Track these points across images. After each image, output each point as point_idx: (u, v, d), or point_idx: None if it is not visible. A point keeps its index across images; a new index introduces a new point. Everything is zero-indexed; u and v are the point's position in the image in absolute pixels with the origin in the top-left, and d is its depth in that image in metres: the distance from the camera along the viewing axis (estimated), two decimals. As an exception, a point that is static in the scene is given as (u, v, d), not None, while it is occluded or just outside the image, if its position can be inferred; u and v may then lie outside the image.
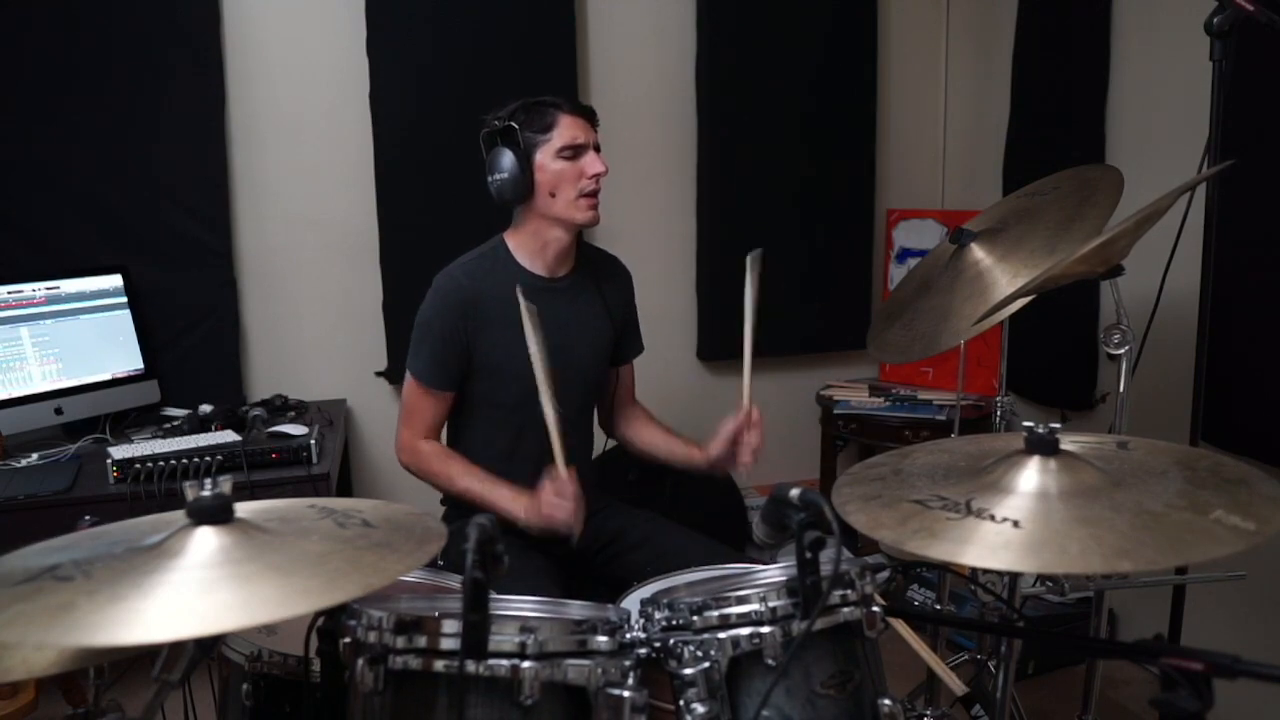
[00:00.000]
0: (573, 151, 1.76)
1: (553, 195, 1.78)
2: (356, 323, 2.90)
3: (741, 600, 1.07)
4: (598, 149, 1.80)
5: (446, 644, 0.99)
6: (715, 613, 1.07)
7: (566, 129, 1.76)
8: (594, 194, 1.80)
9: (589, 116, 1.81)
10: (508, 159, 1.75)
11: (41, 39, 2.56)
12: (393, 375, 2.90)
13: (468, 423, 1.89)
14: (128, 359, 2.62)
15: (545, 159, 1.76)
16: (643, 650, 1.07)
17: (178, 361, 2.73)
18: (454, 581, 1.46)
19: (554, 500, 1.61)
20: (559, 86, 2.76)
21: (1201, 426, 1.71)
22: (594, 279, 1.93)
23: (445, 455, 1.84)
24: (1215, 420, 1.83)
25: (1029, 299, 1.53)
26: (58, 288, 2.50)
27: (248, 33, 2.73)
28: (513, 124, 1.75)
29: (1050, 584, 1.86)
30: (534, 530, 1.65)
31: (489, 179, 1.79)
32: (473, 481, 1.78)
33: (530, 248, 1.85)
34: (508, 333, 1.81)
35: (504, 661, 0.98)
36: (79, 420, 2.50)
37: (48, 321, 2.48)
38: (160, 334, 2.71)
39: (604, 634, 1.05)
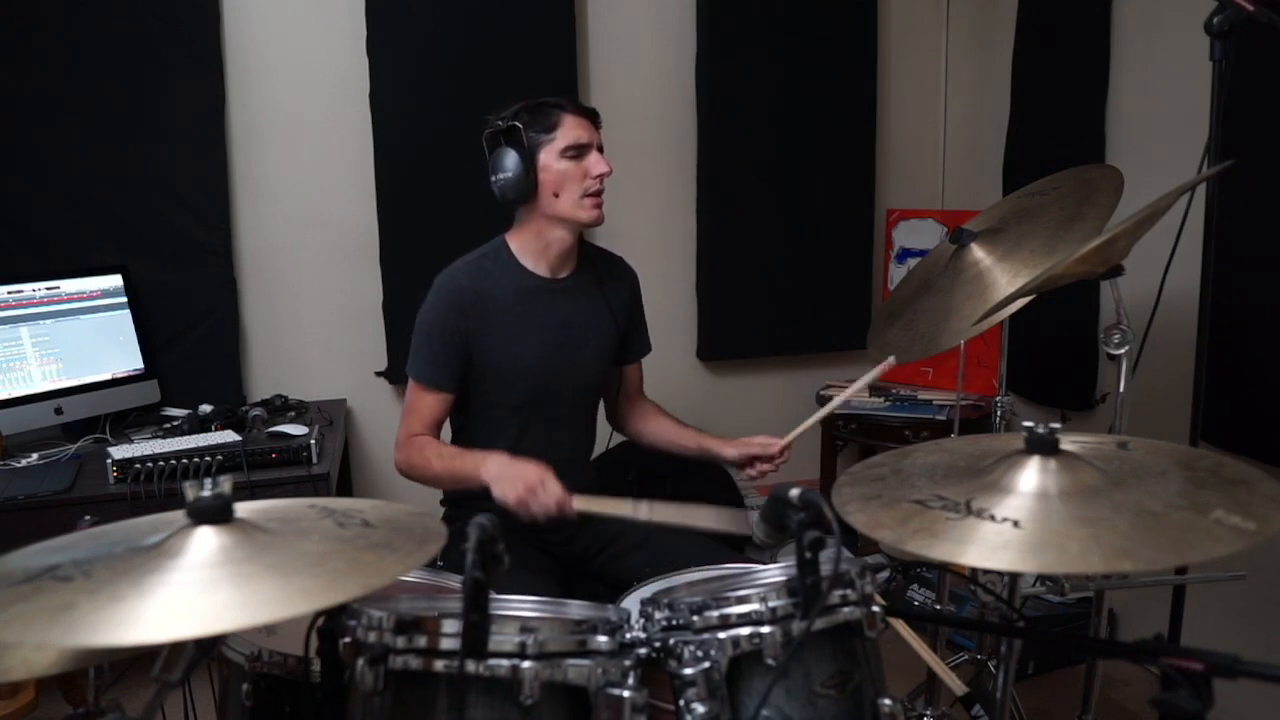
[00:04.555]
0: (576, 151, 1.76)
1: (556, 195, 1.77)
2: (356, 323, 2.91)
3: (741, 600, 1.07)
4: (601, 149, 1.80)
5: (446, 644, 0.99)
6: (715, 613, 1.07)
7: (570, 129, 1.76)
8: (598, 194, 1.79)
9: (592, 117, 1.81)
10: (511, 159, 1.75)
11: (41, 39, 2.56)
12: (393, 375, 2.90)
13: (469, 424, 1.89)
14: (128, 359, 2.62)
15: (549, 159, 1.76)
16: (643, 650, 1.07)
17: (178, 361, 2.73)
18: (454, 581, 1.46)
19: (545, 485, 1.58)
20: (559, 87, 2.76)
21: (1201, 426, 1.71)
22: (597, 279, 1.92)
23: (424, 443, 1.80)
24: (1215, 420, 1.83)
25: (1029, 299, 1.53)
26: (58, 288, 2.50)
27: (248, 33, 2.73)
28: (516, 124, 1.75)
29: (1050, 584, 1.86)
30: (495, 493, 1.60)
31: (492, 179, 1.79)
32: (447, 459, 1.75)
33: (533, 248, 1.85)
34: (508, 334, 1.81)
35: (504, 661, 0.98)
36: (79, 420, 2.50)
37: (48, 321, 2.48)
38: (160, 334, 2.71)
39: (604, 634, 1.04)
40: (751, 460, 1.87)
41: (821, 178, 3.18)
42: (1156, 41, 2.46)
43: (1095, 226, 1.55)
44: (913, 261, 3.18)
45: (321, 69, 2.80)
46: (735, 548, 1.85)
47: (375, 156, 2.82)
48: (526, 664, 0.98)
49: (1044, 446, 1.04)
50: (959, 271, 1.71)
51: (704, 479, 3.15)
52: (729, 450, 1.89)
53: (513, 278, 1.84)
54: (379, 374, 2.92)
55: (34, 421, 2.42)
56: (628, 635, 1.08)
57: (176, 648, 0.92)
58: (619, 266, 2.01)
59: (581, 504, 1.60)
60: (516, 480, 1.59)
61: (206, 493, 0.92)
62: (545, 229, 1.82)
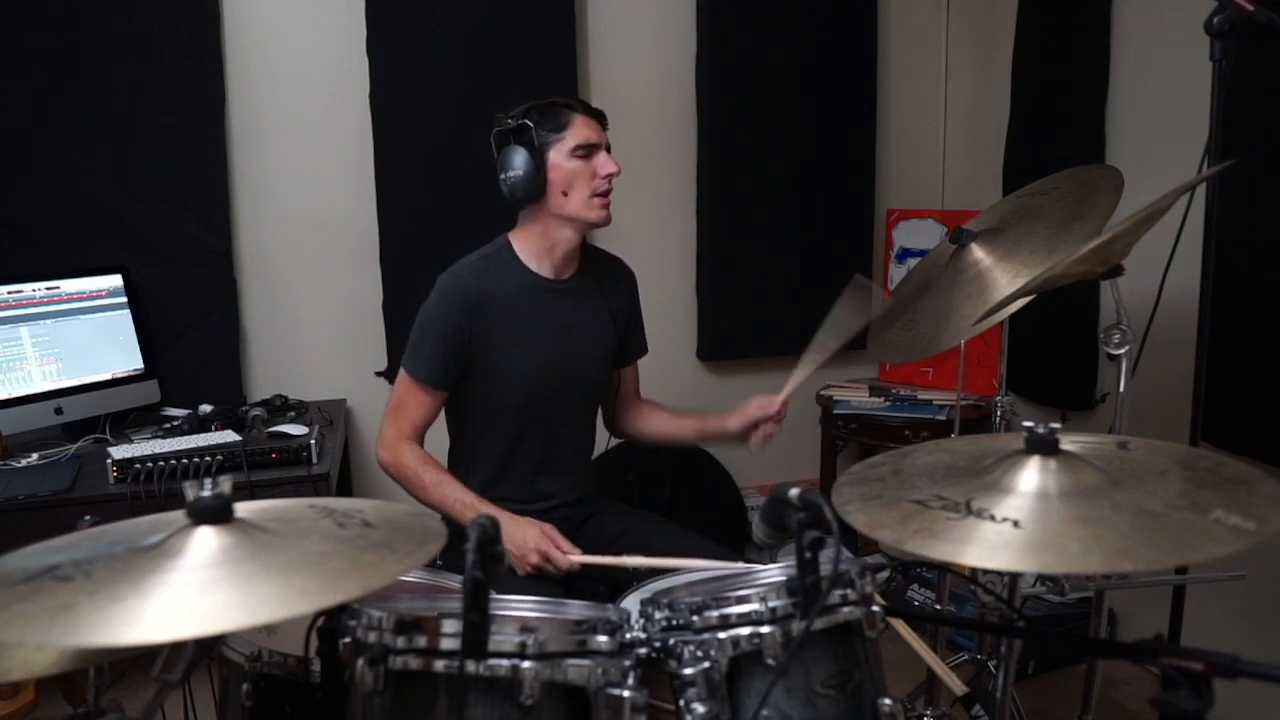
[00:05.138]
0: (586, 151, 1.77)
1: (565, 194, 1.77)
2: (356, 323, 2.91)
3: (741, 600, 1.07)
4: (609, 149, 1.81)
5: (446, 644, 0.99)
6: (715, 613, 1.07)
7: (580, 128, 1.76)
8: (606, 194, 1.80)
9: (600, 118, 1.82)
10: (521, 157, 1.75)
11: (42, 39, 2.56)
12: (393, 375, 2.88)
13: (468, 424, 1.89)
14: (128, 359, 2.62)
15: (559, 158, 1.76)
16: (643, 650, 1.07)
17: (178, 361, 2.73)
18: (454, 581, 1.46)
19: (554, 550, 1.67)
20: (559, 86, 2.76)
21: (1201, 426, 1.71)
22: (598, 281, 1.92)
23: (426, 461, 1.80)
24: (1215, 420, 1.83)
25: (1029, 299, 1.53)
26: (58, 288, 2.50)
27: (248, 33, 2.73)
28: (526, 123, 1.75)
29: (1050, 584, 1.85)
30: (507, 547, 1.66)
31: (501, 177, 1.78)
32: (453, 491, 1.76)
33: (537, 248, 1.84)
34: (510, 335, 1.81)
35: (504, 661, 0.98)
36: (79, 420, 2.50)
37: (48, 321, 2.48)
38: (160, 334, 2.71)
39: (604, 634, 1.04)
40: (754, 426, 1.87)
41: (821, 178, 3.18)
42: (1156, 41, 2.46)
43: (1095, 226, 1.55)
44: (913, 261, 3.18)
45: (321, 69, 2.80)
46: (735, 548, 1.85)
47: (375, 156, 2.82)
48: (526, 664, 0.98)
49: (1044, 446, 1.04)
50: (959, 271, 1.71)
51: (703, 479, 3.16)
52: (730, 423, 1.89)
53: (515, 278, 1.83)
54: (379, 374, 2.92)
55: (34, 421, 2.43)
56: (628, 635, 1.07)
57: (176, 648, 0.92)
58: (618, 268, 2.01)
59: (581, 559, 1.69)
60: (523, 548, 1.68)
61: (206, 493, 0.92)
62: (552, 229, 1.82)
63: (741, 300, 3.19)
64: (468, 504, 1.73)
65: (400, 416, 1.83)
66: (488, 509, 1.73)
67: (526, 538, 1.68)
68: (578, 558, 1.68)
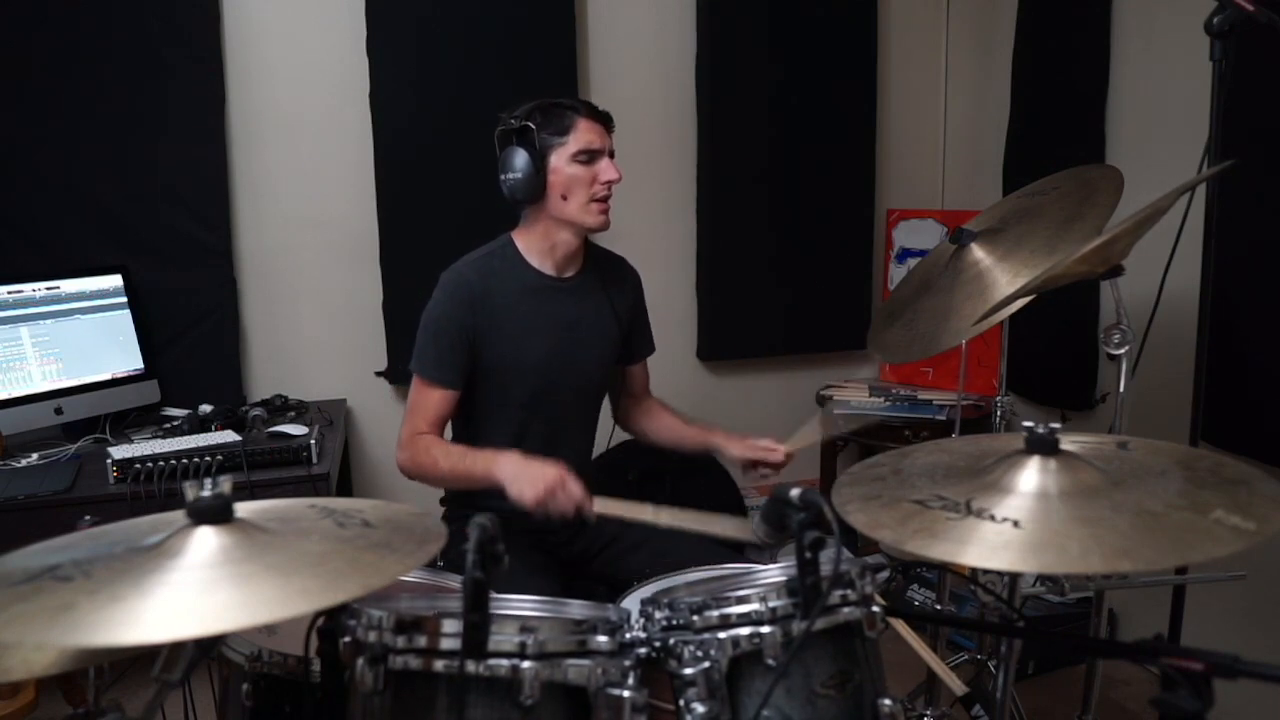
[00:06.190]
0: (588, 156, 1.76)
1: (564, 198, 1.77)
2: (356, 323, 2.91)
3: (741, 600, 1.08)
4: (612, 155, 1.80)
5: (446, 644, 0.99)
6: (715, 613, 1.08)
7: (583, 133, 1.76)
8: (606, 199, 1.79)
9: (606, 122, 1.81)
10: (522, 159, 1.75)
11: (42, 39, 2.56)
12: (393, 375, 2.90)
13: (471, 422, 1.89)
14: (128, 359, 2.62)
15: (560, 162, 1.75)
16: (643, 650, 1.07)
17: (178, 361, 2.73)
18: (454, 581, 1.46)
19: (566, 485, 1.58)
20: (559, 87, 2.77)
21: (1201, 426, 1.71)
22: (601, 280, 1.92)
23: (430, 441, 1.78)
24: (1215, 420, 1.83)
25: (1029, 299, 1.53)
26: (58, 288, 2.50)
27: (248, 32, 2.73)
28: (529, 124, 1.75)
29: (1050, 584, 1.85)
30: (511, 492, 1.60)
31: (501, 177, 1.78)
32: (455, 458, 1.74)
33: (539, 247, 1.84)
34: (514, 332, 1.81)
35: (504, 661, 0.98)
36: (79, 420, 2.50)
37: (48, 321, 2.48)
38: (160, 334, 2.71)
39: (604, 634, 1.05)
40: (755, 464, 1.87)
41: (821, 178, 3.18)
42: (1156, 41, 2.46)
43: (1095, 226, 1.55)
44: (913, 261, 3.18)
45: (321, 69, 2.80)
46: (735, 548, 1.85)
47: (375, 156, 2.82)
48: (526, 664, 0.98)
49: (1044, 446, 1.04)
50: (959, 271, 1.71)
51: (704, 480, 3.15)
52: (735, 450, 1.88)
53: (519, 275, 1.83)
54: (379, 374, 2.92)
55: (34, 421, 2.42)
56: (628, 635, 1.08)
57: (176, 648, 0.92)
58: (622, 267, 2.01)
59: (600, 506, 1.60)
60: (536, 480, 1.59)
61: (206, 493, 0.92)
62: (552, 230, 1.82)
63: (741, 300, 3.19)
64: (489, 458, 1.68)
65: (415, 418, 1.80)
66: (501, 457, 1.67)
67: (544, 470, 1.60)
68: (596, 506, 1.59)
